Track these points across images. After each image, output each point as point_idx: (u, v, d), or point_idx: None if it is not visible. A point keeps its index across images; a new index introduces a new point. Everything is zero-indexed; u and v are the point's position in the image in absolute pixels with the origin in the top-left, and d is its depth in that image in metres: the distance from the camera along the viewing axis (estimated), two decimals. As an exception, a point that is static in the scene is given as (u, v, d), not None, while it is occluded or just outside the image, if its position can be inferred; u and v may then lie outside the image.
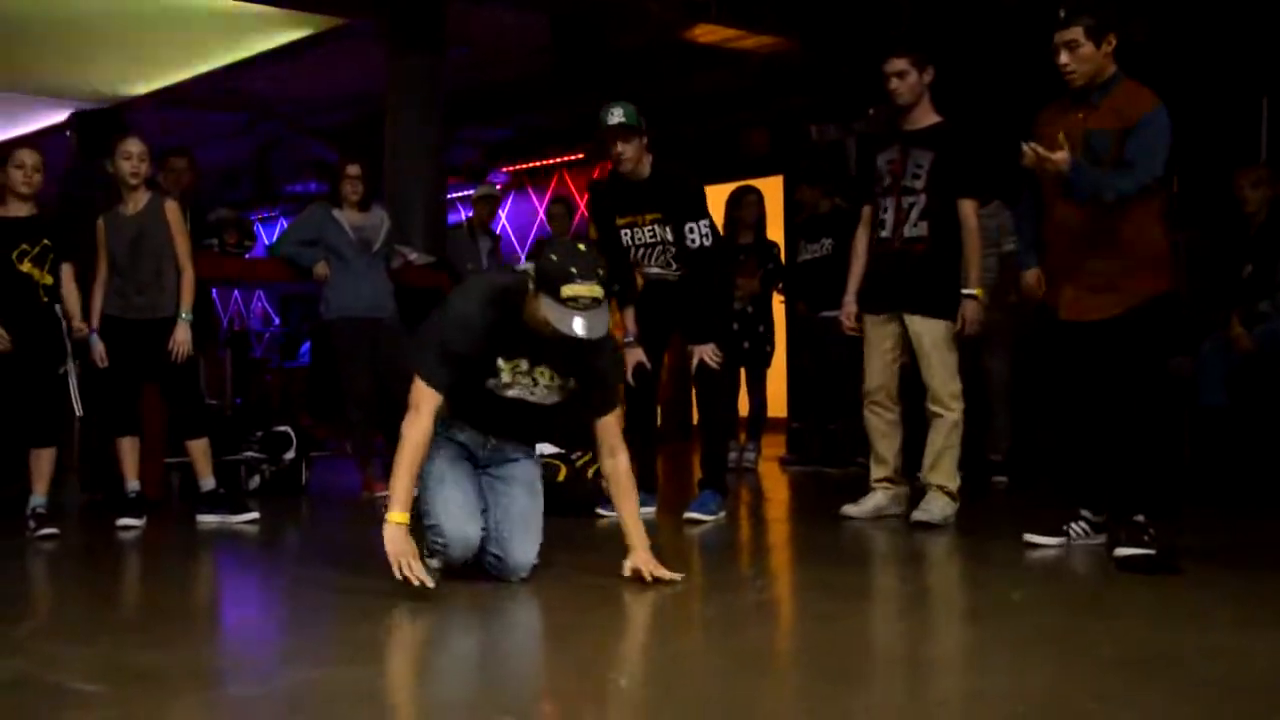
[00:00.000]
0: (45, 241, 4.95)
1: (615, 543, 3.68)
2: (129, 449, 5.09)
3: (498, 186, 10.51)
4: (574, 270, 3.18)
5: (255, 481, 6.28)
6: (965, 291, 4.71)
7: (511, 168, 12.41)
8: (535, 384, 3.52)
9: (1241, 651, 2.79)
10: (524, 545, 3.56)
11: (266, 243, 9.66)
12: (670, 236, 4.86)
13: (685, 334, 5.03)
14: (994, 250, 6.55)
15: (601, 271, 3.24)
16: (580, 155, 11.67)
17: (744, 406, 7.24)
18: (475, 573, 3.56)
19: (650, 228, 4.88)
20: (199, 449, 5.17)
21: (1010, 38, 4.08)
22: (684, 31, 8.28)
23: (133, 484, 5.07)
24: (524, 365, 3.47)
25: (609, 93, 5.69)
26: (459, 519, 3.50)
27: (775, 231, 8.08)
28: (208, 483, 5.18)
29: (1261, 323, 5.60)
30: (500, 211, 11.68)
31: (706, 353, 4.90)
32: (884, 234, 4.80)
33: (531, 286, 3.26)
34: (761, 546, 4.81)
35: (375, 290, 6.07)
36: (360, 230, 6.08)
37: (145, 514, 5.04)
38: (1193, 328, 6.09)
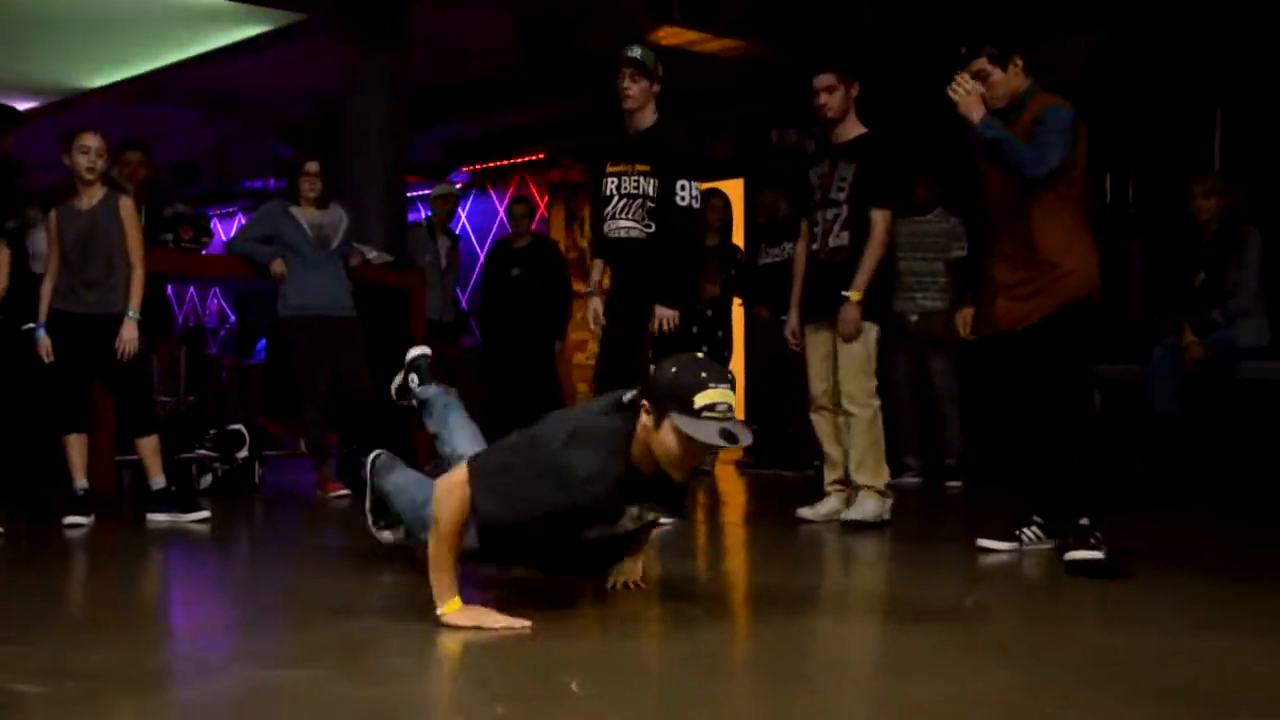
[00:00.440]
0: None
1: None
2: (77, 446, 5.01)
3: (457, 185, 10.46)
4: (705, 376, 2.90)
5: (208, 480, 6.21)
6: (843, 292, 4.79)
7: (471, 167, 12.37)
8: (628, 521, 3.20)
9: (1195, 655, 2.82)
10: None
11: (223, 239, 9.57)
12: (652, 191, 4.82)
13: (654, 293, 4.87)
14: (941, 256, 6.62)
15: (731, 376, 2.98)
16: (541, 155, 11.65)
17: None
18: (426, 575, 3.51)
19: (636, 179, 4.86)
20: (148, 447, 5.11)
21: (970, 41, 4.11)
22: (648, 34, 8.28)
23: (80, 482, 4.99)
24: (634, 510, 3.16)
25: (574, 93, 5.68)
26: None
27: (738, 235, 8.09)
28: (158, 481, 5.13)
29: (1213, 331, 5.67)
30: (460, 211, 11.64)
31: (669, 318, 4.84)
32: (814, 246, 4.98)
33: (648, 419, 2.95)
34: (717, 550, 4.81)
35: (333, 288, 6.03)
36: (318, 228, 6.04)
37: (93, 512, 4.97)
38: (1144, 335, 6.16)
